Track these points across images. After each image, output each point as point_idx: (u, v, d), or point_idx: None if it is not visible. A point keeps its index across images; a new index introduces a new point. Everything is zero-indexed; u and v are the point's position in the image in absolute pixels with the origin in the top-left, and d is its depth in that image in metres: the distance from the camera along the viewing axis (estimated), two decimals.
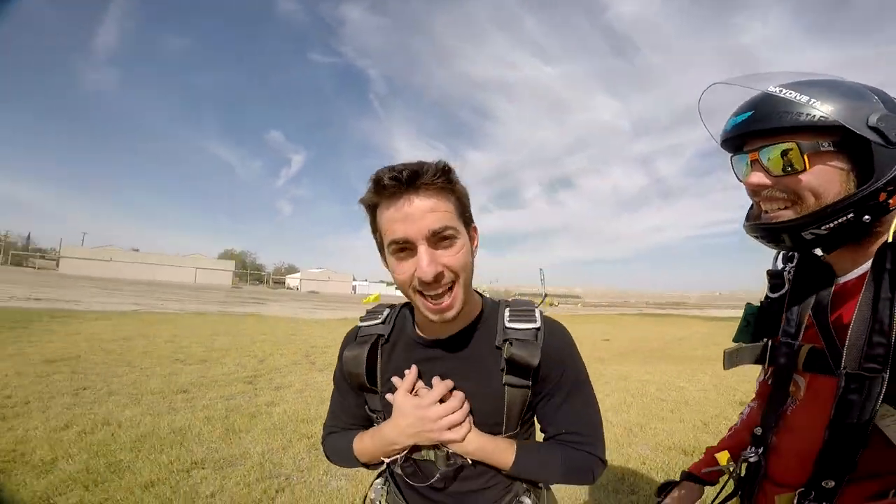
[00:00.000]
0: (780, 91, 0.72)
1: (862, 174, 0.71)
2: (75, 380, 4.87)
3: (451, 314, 0.82)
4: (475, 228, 0.90)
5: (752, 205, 0.86)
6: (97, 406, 4.04)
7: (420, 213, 0.77)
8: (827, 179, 0.71)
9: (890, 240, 0.66)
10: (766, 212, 0.79)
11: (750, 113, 0.75)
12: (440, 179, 0.78)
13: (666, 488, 1.15)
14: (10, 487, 1.80)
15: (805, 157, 0.71)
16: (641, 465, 3.40)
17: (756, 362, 0.94)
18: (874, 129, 0.67)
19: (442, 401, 0.86)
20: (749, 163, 0.78)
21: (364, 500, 1.04)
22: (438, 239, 0.79)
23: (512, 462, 0.87)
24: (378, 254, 0.90)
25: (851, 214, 0.70)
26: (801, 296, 0.84)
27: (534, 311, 0.92)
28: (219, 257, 76.34)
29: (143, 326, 9.69)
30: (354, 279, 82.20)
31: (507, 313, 0.92)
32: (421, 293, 0.81)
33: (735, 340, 0.99)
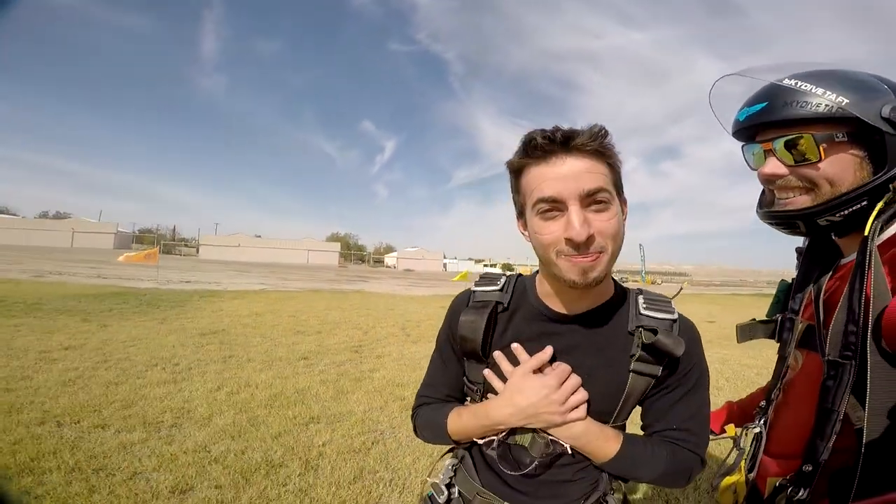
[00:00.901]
0: (795, 83, 0.74)
1: (876, 162, 0.72)
2: (223, 349, 5.85)
3: (594, 275, 0.75)
4: (625, 202, 0.83)
5: (764, 191, 0.88)
6: (240, 371, 4.88)
7: (574, 172, 0.73)
8: (842, 168, 0.73)
9: (866, 233, 0.67)
10: (781, 199, 0.81)
11: (764, 104, 0.77)
12: (596, 142, 0.73)
13: None
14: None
15: (820, 148, 0.73)
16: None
17: (770, 337, 0.97)
18: (887, 120, 0.68)
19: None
20: (763, 152, 0.80)
21: (424, 484, 1.01)
22: (591, 202, 0.73)
23: (615, 453, 0.81)
24: (515, 220, 0.87)
25: (865, 202, 0.71)
26: (810, 274, 0.87)
27: (670, 302, 0.88)
28: (326, 240, 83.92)
29: (270, 303, 11.13)
30: (445, 257, 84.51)
31: (641, 300, 0.87)
32: (563, 256, 0.76)
33: (767, 315, 1.02)
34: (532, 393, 0.79)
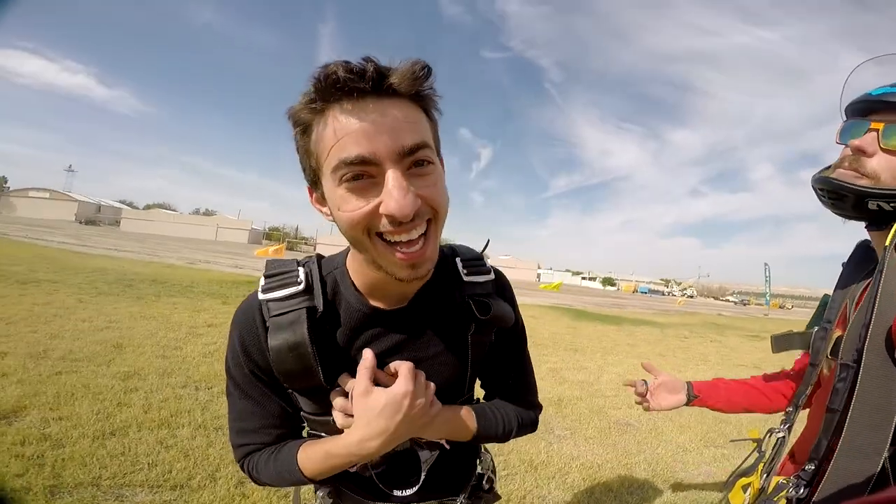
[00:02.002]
0: None
1: None
2: None
3: (426, 268, 0.62)
4: (443, 161, 0.68)
5: (829, 166, 0.88)
6: None
7: (390, 123, 0.55)
8: None
9: (887, 244, 0.69)
10: (847, 172, 0.80)
11: None
12: (418, 83, 0.57)
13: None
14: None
15: None
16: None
17: (805, 348, 0.98)
18: None
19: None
20: (867, 130, 0.78)
21: None
22: (413, 162, 0.58)
23: (476, 429, 0.78)
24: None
25: None
26: (846, 283, 0.89)
27: (482, 259, 0.81)
28: None
29: None
30: (539, 267, 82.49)
31: (460, 264, 0.79)
32: (385, 240, 0.60)
33: (808, 328, 1.02)
34: (392, 411, 0.63)
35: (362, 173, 0.56)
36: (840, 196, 0.78)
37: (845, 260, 0.97)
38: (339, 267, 0.75)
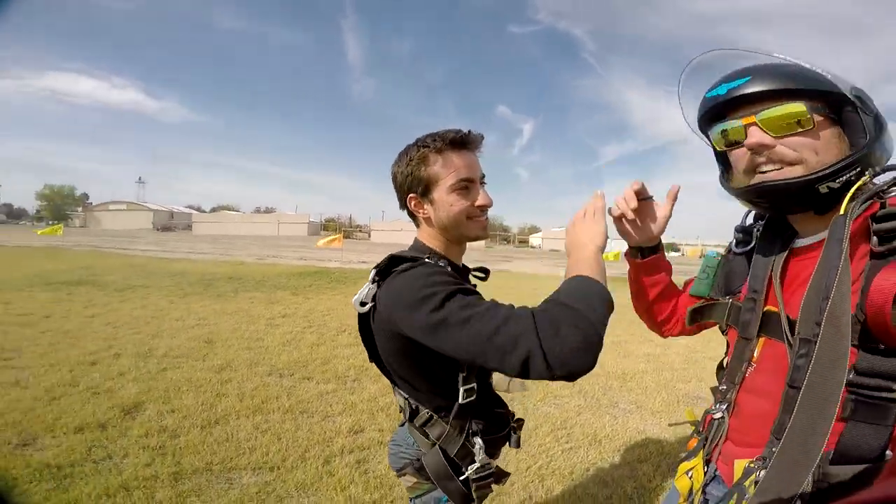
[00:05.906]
0: (788, 59, 0.77)
1: (851, 139, 0.75)
2: None
3: (487, 233, 1.13)
4: None
5: (726, 168, 0.90)
6: None
7: (476, 162, 1.09)
8: (827, 140, 0.75)
9: (841, 212, 0.68)
10: (767, 171, 0.78)
11: (748, 78, 0.77)
12: (480, 145, 1.11)
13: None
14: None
15: (813, 118, 0.74)
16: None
17: (720, 320, 0.96)
18: (857, 98, 0.73)
19: None
20: (742, 127, 0.79)
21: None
22: (482, 182, 1.10)
23: None
24: (405, 193, 1.10)
25: (859, 168, 0.73)
26: (766, 254, 0.88)
27: None
28: None
29: None
30: None
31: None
32: (472, 219, 1.08)
33: (692, 293, 1.04)
34: None
35: (466, 185, 1.05)
36: (785, 195, 0.77)
37: (739, 224, 0.98)
38: (433, 251, 1.13)
